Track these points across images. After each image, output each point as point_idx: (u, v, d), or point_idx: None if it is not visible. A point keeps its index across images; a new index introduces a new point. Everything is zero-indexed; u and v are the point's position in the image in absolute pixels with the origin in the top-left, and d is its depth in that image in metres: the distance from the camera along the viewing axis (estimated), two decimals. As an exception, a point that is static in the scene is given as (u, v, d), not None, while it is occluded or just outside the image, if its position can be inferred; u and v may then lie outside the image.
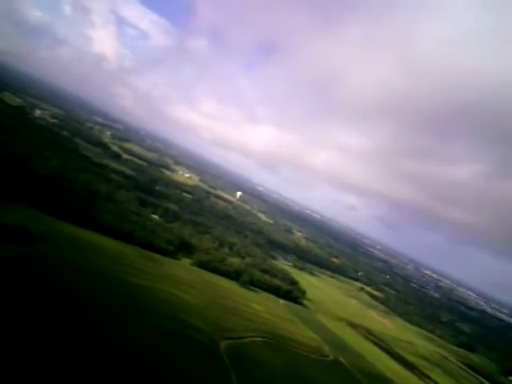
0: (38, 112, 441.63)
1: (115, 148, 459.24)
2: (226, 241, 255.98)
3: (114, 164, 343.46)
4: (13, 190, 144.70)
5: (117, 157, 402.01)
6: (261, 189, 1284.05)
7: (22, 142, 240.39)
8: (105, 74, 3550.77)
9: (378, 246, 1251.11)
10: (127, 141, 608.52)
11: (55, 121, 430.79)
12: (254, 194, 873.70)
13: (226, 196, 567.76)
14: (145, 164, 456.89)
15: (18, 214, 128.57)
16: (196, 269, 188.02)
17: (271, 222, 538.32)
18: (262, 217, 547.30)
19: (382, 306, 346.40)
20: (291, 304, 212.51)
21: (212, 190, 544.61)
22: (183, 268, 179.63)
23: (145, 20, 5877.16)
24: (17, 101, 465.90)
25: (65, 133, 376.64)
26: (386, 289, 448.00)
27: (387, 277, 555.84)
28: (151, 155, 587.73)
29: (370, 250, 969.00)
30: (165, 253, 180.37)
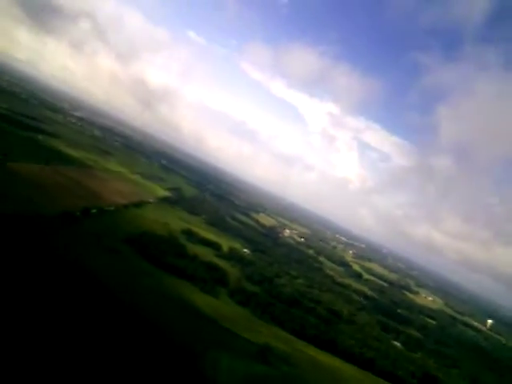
0: (287, 231, 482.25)
1: (357, 267, 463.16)
2: (478, 379, 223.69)
3: (355, 284, 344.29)
4: (261, 308, 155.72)
5: (358, 276, 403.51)
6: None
7: (273, 260, 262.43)
8: (348, 195, 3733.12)
9: None
10: (369, 260, 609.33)
11: (302, 240, 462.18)
12: (508, 322, 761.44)
13: (475, 324, 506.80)
14: (385, 285, 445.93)
15: (263, 331, 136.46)
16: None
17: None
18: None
19: None
20: None
21: (458, 316, 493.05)
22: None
23: (386, 143, 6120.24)
24: (271, 221, 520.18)
25: (310, 251, 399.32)
26: None
27: None
28: (392, 275, 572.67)
29: None
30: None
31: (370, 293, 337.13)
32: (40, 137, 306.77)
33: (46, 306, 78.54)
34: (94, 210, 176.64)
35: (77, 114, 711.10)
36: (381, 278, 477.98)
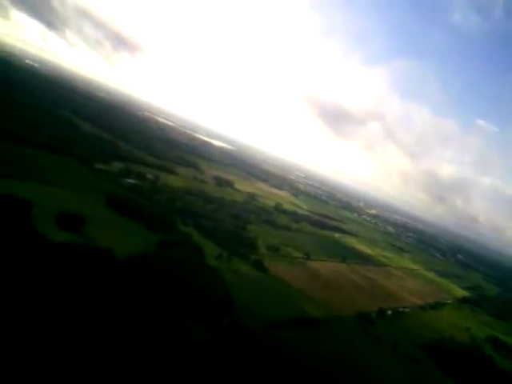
0: None
1: None
2: None
3: None
4: None
5: None
6: None
7: None
8: None
9: None
10: None
11: None
12: None
13: None
14: None
15: None
16: None
17: None
18: None
19: None
20: None
21: None
22: None
23: None
24: None
25: None
26: None
27: None
28: None
29: None
30: None
31: None
32: (337, 235, 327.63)
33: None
34: (389, 312, 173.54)
35: (371, 211, 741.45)
36: None
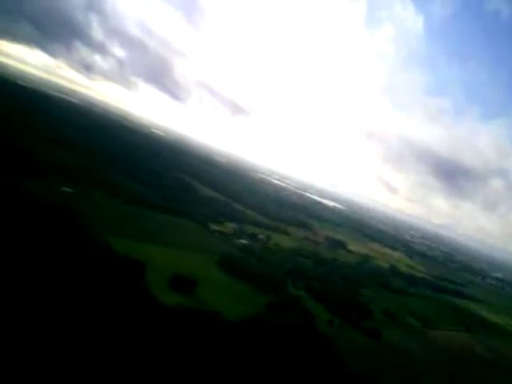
0: None
1: None
2: None
3: None
4: None
5: None
6: None
7: None
8: None
9: None
10: None
11: None
12: None
13: None
14: None
15: None
16: None
17: None
18: None
19: None
20: None
21: None
22: None
23: None
24: None
25: None
26: None
27: None
28: None
29: None
30: None
31: None
32: (458, 301, 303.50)
33: None
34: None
35: (496, 274, 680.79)
36: None
